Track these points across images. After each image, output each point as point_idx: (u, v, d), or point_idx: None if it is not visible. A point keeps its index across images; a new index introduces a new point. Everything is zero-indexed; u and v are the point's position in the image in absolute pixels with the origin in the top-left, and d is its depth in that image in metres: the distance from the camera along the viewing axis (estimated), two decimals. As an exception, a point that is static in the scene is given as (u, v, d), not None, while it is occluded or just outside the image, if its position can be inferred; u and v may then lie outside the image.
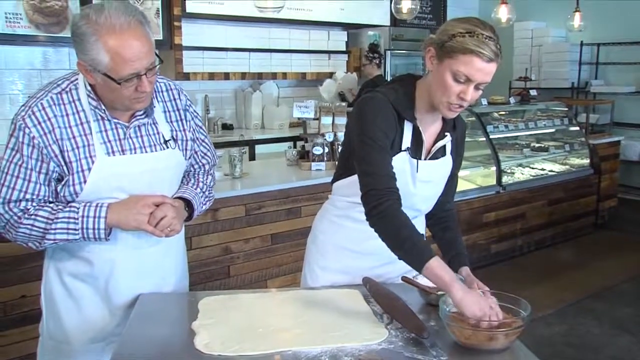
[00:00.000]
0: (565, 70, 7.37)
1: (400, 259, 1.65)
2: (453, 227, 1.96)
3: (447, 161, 1.91)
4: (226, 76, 5.81)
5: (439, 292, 1.67)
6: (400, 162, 1.79)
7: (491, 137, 5.26)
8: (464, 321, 1.48)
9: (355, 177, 1.79)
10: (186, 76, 5.44)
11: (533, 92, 6.15)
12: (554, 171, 5.78)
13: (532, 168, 5.77)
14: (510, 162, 5.56)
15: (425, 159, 1.85)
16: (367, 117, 1.76)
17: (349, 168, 1.87)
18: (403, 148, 1.80)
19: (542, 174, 5.67)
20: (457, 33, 1.63)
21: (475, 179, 5.22)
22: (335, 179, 2.00)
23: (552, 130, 6.08)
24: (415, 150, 1.83)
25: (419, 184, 1.84)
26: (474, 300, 1.51)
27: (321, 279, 2.00)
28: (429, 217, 2.00)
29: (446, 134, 1.87)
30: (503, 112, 5.87)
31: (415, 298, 1.75)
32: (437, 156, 1.88)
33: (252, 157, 5.47)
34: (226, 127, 6.03)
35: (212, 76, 5.70)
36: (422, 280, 1.78)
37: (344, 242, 1.96)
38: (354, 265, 1.93)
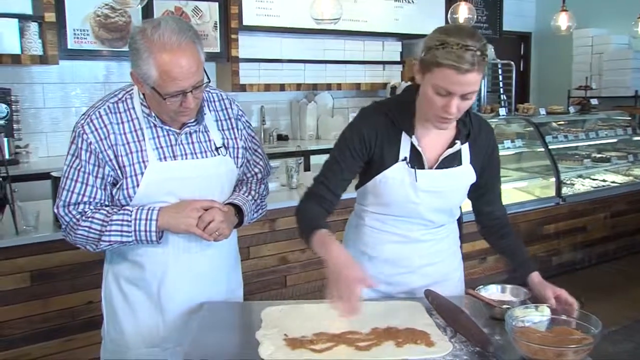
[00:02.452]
0: (628, 78, 7.15)
1: (305, 244, 1.74)
2: (509, 233, 1.93)
3: (462, 171, 1.87)
4: (281, 87, 5.88)
5: (504, 306, 1.64)
6: (398, 172, 1.81)
7: (550, 147, 5.14)
8: (531, 337, 1.45)
9: (365, 186, 1.88)
10: (242, 87, 5.54)
11: (594, 101, 6.00)
12: (616, 182, 5.60)
13: (593, 179, 5.61)
14: (570, 173, 5.42)
15: (430, 169, 1.83)
16: (346, 131, 1.87)
17: (362, 177, 1.92)
18: (401, 158, 1.81)
19: (603, 185, 5.50)
20: (432, 46, 1.61)
21: (533, 190, 5.11)
22: (356, 186, 2.03)
23: (614, 140, 5.89)
24: (417, 160, 1.82)
25: (422, 194, 1.83)
26: (338, 274, 1.55)
27: None
28: (481, 227, 2.00)
29: (456, 142, 1.83)
30: (562, 122, 5.73)
31: (479, 312, 1.73)
32: (448, 165, 1.84)
33: (307, 167, 5.50)
34: (281, 137, 6.10)
35: (267, 87, 5.78)
36: (486, 294, 1.76)
37: (363, 247, 1.98)
38: (373, 270, 1.93)
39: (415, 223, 1.89)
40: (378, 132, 1.81)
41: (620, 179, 5.70)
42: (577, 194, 5.23)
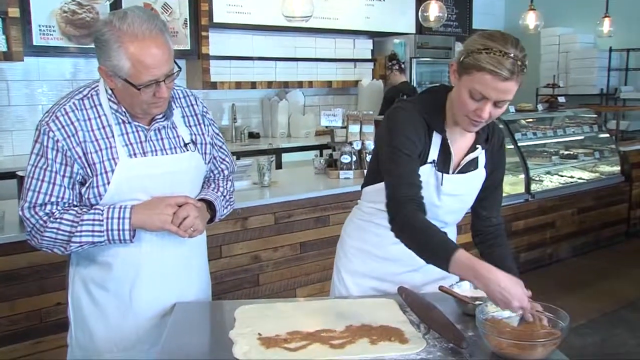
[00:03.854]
0: (594, 77, 7.29)
1: (427, 262, 1.64)
2: (501, 243, 1.92)
3: (478, 175, 1.89)
4: (253, 85, 5.85)
5: (477, 302, 1.65)
6: (425, 175, 1.78)
7: (519, 144, 5.21)
8: (501, 331, 1.46)
9: (381, 185, 1.79)
10: (213, 85, 5.49)
11: (561, 99, 6.09)
12: (583, 179, 5.70)
13: (562, 176, 5.71)
14: (539, 169, 5.49)
15: (453, 173, 1.83)
16: (397, 127, 1.77)
17: (377, 175, 1.87)
18: (429, 160, 1.79)
19: (571, 182, 5.60)
20: (475, 49, 1.60)
21: (503, 186, 5.16)
22: (364, 184, 2.01)
23: (581, 137, 6.01)
24: (443, 163, 1.81)
25: (444, 197, 1.83)
26: (514, 283, 1.49)
27: (348, 283, 2.01)
28: (475, 234, 1.98)
29: (477, 146, 1.84)
30: (531, 120, 5.81)
31: (451, 308, 1.74)
32: (467, 169, 1.85)
33: (279, 165, 5.49)
34: (253, 135, 6.07)
35: (238, 85, 5.74)
36: (459, 290, 1.77)
37: (368, 247, 1.97)
38: (380, 270, 1.94)
39: None
40: (420, 130, 1.76)
41: (587, 175, 5.81)
42: (546, 190, 5.31)
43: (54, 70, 4.99)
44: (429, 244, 1.63)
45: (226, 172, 1.99)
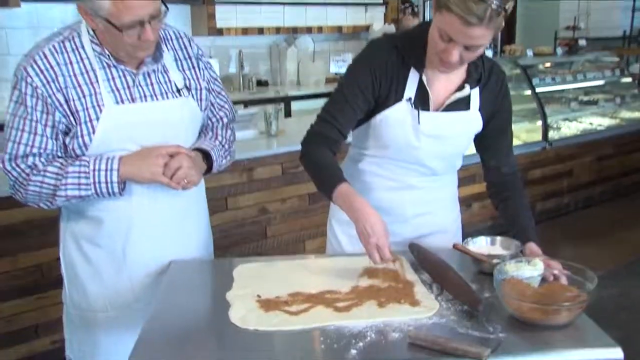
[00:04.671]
0: (617, 18, 6.98)
1: (320, 192, 1.65)
2: (514, 196, 1.77)
3: (468, 116, 1.74)
4: (260, 31, 5.63)
5: (494, 261, 1.53)
6: (400, 113, 1.68)
7: (537, 90, 4.99)
8: (523, 293, 1.33)
9: (364, 126, 1.74)
10: (219, 31, 5.28)
11: (581, 42, 5.83)
12: (603, 126, 5.49)
13: (580, 122, 5.50)
14: (557, 116, 5.28)
15: (436, 112, 1.70)
16: (355, 65, 1.72)
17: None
18: (405, 97, 1.67)
19: (590, 129, 5.39)
20: None
21: (519, 134, 4.99)
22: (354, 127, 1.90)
23: (602, 82, 5.75)
24: (422, 101, 1.69)
25: (424, 138, 1.70)
26: (381, 223, 1.50)
27: (339, 234, 1.92)
28: (488, 186, 1.85)
29: (465, 85, 1.70)
30: (549, 64, 5.57)
31: (466, 266, 1.62)
32: (453, 109, 1.71)
33: (288, 114, 5.33)
34: (261, 83, 5.89)
35: (245, 31, 5.53)
36: (474, 247, 1.65)
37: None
38: None
39: (412, 169, 1.77)
40: (388, 66, 1.67)
41: (607, 121, 5.59)
42: (564, 138, 5.12)
43: (55, 17, 4.80)
44: (320, 175, 1.65)
45: (225, 120, 1.86)
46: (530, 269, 1.44)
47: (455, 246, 1.62)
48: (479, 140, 1.80)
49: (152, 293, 1.64)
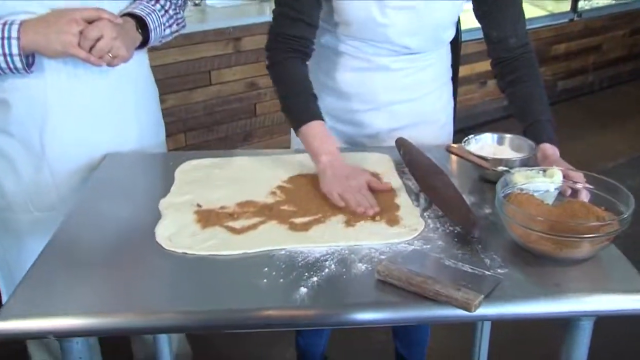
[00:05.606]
0: None
1: (283, 113, 1.34)
2: (525, 78, 1.37)
3: None
4: None
5: (500, 168, 1.20)
6: None
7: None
8: (531, 217, 1.01)
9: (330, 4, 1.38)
10: None
11: None
12: (641, -6, 4.92)
13: (616, -10, 4.93)
14: (590, -17, 4.72)
15: None
16: None
17: None
18: None
19: (626, -1, 4.83)
20: None
21: (545, 4, 4.47)
22: None
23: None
24: None
25: (391, 12, 1.33)
26: (336, 177, 1.17)
27: None
28: (493, 64, 1.45)
29: None
30: None
31: (465, 170, 1.30)
32: None
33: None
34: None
35: None
36: (476, 146, 1.31)
37: (323, 77, 1.49)
38: (335, 106, 1.49)
39: (383, 48, 1.40)
40: None
41: (645, -10, 5.00)
42: (596, 9, 4.61)
43: None
44: (289, 101, 1.33)
45: None
46: (546, 182, 1.11)
47: (449, 149, 1.27)
48: (476, 4, 1.40)
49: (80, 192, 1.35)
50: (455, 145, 1.27)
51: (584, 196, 1.12)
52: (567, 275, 0.96)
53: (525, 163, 1.22)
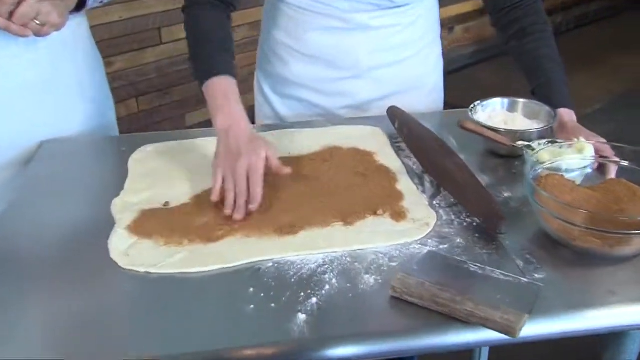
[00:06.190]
0: None
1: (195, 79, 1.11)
2: (531, 30, 1.18)
3: None
4: None
5: (519, 143, 1.01)
6: None
7: None
8: (573, 209, 0.83)
9: None
10: None
11: None
12: None
13: None
14: None
15: None
16: None
17: None
18: None
19: None
20: None
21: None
22: None
23: None
24: None
25: None
26: (228, 151, 0.95)
27: (268, 93, 1.36)
28: (494, 22, 1.26)
29: None
30: None
31: (468, 141, 1.11)
32: None
33: None
34: None
35: None
36: (484, 114, 1.12)
37: (284, 37, 1.28)
38: (308, 75, 1.28)
39: (362, 2, 1.18)
40: None
41: None
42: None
43: None
44: (198, 52, 1.11)
45: None
46: (576, 158, 0.94)
47: (463, 125, 1.07)
48: None
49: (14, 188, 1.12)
50: (467, 122, 1.06)
51: (613, 172, 0.95)
52: (618, 278, 0.80)
53: (542, 134, 1.04)
